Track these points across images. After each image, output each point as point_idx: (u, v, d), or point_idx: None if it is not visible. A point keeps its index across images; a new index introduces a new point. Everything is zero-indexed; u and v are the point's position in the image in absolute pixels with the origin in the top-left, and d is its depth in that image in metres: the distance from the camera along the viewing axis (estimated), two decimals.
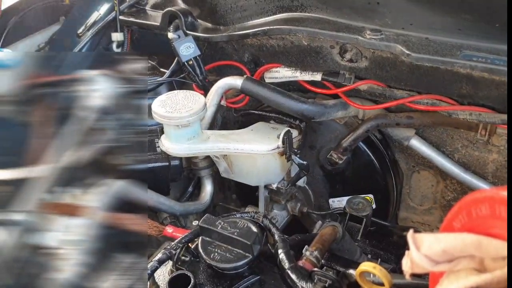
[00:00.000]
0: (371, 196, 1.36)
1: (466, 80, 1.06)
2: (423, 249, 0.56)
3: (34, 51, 1.53)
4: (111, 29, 1.55)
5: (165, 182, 1.31)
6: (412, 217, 1.46)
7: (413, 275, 0.59)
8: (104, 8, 1.57)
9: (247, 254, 0.92)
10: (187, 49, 1.34)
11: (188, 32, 1.36)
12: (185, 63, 1.34)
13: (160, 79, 1.40)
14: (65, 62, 0.97)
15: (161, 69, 1.48)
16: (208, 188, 1.41)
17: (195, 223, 1.17)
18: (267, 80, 1.34)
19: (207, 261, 0.91)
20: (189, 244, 0.98)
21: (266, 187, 1.33)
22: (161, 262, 0.93)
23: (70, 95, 0.92)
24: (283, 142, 1.19)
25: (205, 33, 1.37)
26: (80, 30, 1.56)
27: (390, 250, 1.12)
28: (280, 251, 0.93)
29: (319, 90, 1.28)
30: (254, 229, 0.95)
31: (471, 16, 1.12)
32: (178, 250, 0.95)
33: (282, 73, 1.32)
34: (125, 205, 0.84)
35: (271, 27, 1.25)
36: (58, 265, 0.78)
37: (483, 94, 1.07)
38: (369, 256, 1.10)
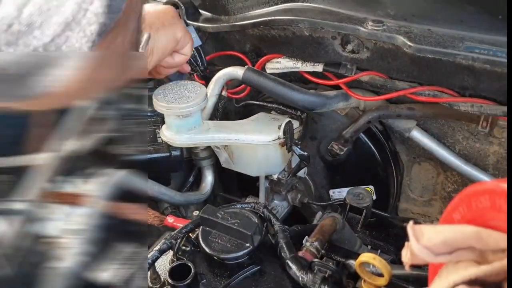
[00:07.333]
0: (371, 187, 1.36)
1: (468, 72, 1.05)
2: (423, 241, 0.56)
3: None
4: None
5: (166, 173, 1.31)
6: (412, 208, 1.46)
7: (413, 266, 0.59)
8: None
9: (247, 245, 0.92)
10: None
11: (189, 22, 1.35)
12: None
13: None
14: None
15: None
16: (208, 178, 1.41)
17: (195, 213, 1.17)
18: (268, 71, 1.33)
19: (208, 251, 0.92)
20: (190, 234, 0.99)
21: (266, 177, 1.33)
22: (161, 252, 0.93)
23: None
24: (284, 133, 1.19)
25: (207, 23, 1.37)
26: None
27: (390, 241, 1.12)
28: (280, 241, 0.94)
29: (320, 81, 1.28)
30: (255, 219, 0.95)
31: (474, 8, 1.11)
32: (179, 240, 0.95)
33: (284, 64, 1.31)
34: (126, 195, 0.84)
35: (273, 17, 1.24)
36: (60, 254, 0.78)
37: (485, 86, 1.06)
38: (369, 247, 1.10)
